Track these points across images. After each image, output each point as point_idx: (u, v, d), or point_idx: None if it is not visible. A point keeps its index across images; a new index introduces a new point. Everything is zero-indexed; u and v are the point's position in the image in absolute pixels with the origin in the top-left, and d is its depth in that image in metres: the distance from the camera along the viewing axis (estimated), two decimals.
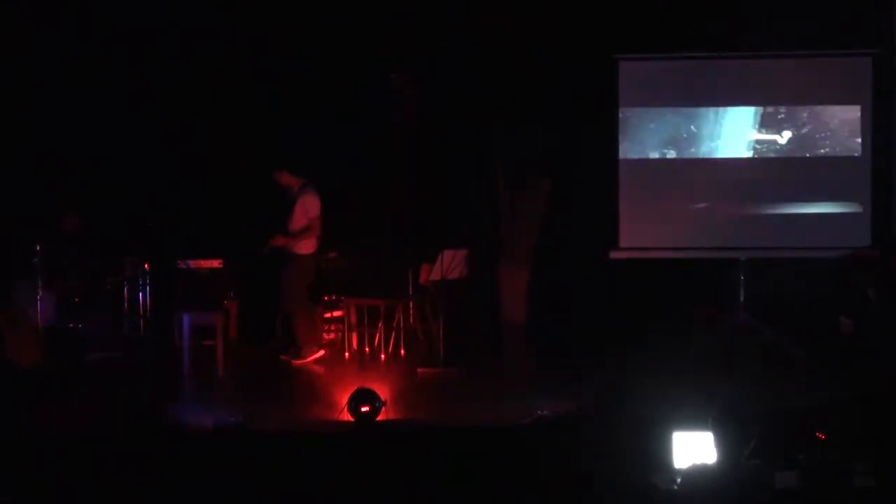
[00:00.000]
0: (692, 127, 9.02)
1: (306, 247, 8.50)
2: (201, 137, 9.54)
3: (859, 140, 8.84)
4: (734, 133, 8.97)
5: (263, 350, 8.94)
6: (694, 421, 5.01)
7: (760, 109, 8.95)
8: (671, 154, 9.04)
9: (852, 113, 8.87)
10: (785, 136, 8.96)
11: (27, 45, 9.23)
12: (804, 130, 8.92)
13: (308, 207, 8.46)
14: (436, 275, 8.46)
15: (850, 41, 8.93)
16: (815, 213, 8.92)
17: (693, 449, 4.94)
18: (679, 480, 4.61)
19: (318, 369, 8.45)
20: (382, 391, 6.54)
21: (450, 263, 8.41)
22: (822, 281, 8.86)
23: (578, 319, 9.17)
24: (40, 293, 8.61)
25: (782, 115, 8.95)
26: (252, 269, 9.27)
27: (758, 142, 8.97)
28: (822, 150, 8.91)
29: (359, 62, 9.66)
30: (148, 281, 9.30)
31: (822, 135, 8.91)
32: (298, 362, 8.49)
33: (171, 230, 9.21)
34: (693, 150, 9.01)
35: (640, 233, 9.03)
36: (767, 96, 8.95)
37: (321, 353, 8.59)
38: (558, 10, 9.28)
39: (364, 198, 9.75)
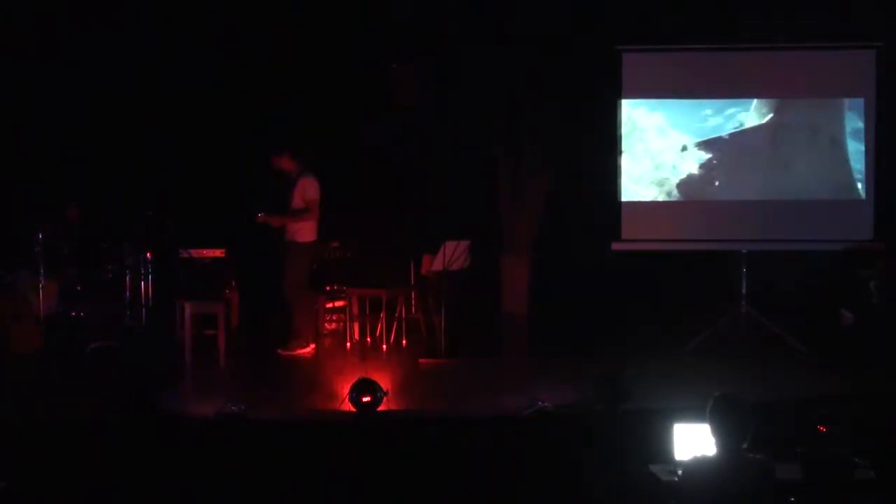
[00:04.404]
0: (696, 119, 9.00)
1: (306, 235, 8.48)
2: (204, 126, 9.54)
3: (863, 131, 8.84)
4: (737, 126, 8.96)
5: (264, 340, 8.93)
6: (695, 413, 5.01)
7: (764, 102, 8.93)
8: (674, 147, 9.02)
9: (856, 105, 8.87)
10: (789, 127, 8.94)
11: (27, 33, 9.22)
12: (808, 120, 8.91)
13: (306, 190, 8.43)
14: (438, 265, 8.45)
15: (855, 33, 8.91)
16: (818, 205, 8.90)
17: (694, 441, 4.94)
18: (680, 472, 4.61)
19: (320, 359, 8.44)
20: (384, 381, 6.54)
21: (452, 254, 8.40)
22: (823, 273, 8.87)
23: (580, 311, 9.18)
24: (42, 282, 8.62)
25: (787, 107, 8.94)
26: (254, 258, 9.26)
27: (762, 134, 8.95)
28: (826, 141, 8.90)
29: (360, 52, 9.65)
30: (150, 270, 9.29)
31: (826, 125, 8.90)
32: (284, 352, 8.45)
33: (174, 219, 9.20)
34: (697, 143, 9.00)
35: (642, 225, 9.02)
36: (771, 88, 8.92)
37: (309, 348, 8.54)
38: (562, 1, 9.26)
39: (366, 187, 9.74)
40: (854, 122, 8.86)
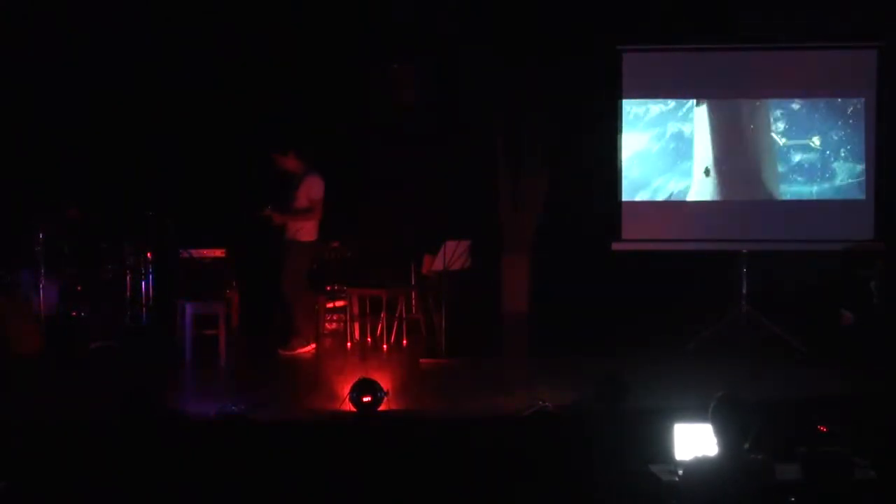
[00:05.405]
0: (695, 120, 9.00)
1: (308, 234, 8.47)
2: (204, 126, 9.53)
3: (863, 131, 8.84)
4: (738, 127, 8.95)
5: (264, 340, 8.93)
6: (695, 413, 5.01)
7: (764, 102, 8.92)
8: (674, 146, 9.01)
9: (856, 104, 8.86)
10: (789, 128, 8.93)
11: (27, 33, 9.21)
12: (808, 121, 8.90)
13: (311, 189, 8.41)
14: (438, 265, 8.45)
15: (856, 33, 8.90)
16: (818, 205, 8.89)
17: (694, 441, 4.94)
18: (681, 472, 4.61)
19: (321, 359, 8.44)
20: (384, 381, 6.54)
21: (452, 254, 8.40)
22: (823, 273, 8.86)
23: (580, 311, 9.17)
24: (42, 281, 8.62)
25: (786, 107, 8.93)
26: (255, 258, 9.26)
27: (762, 135, 8.94)
28: (827, 141, 8.89)
29: (360, 52, 9.65)
30: (150, 270, 9.29)
31: (826, 125, 8.89)
32: (285, 352, 8.44)
33: (174, 219, 9.19)
34: (695, 143, 8.99)
35: (642, 225, 9.02)
36: (772, 88, 8.92)
37: (310, 347, 8.53)
38: (562, 1, 9.25)
39: (366, 187, 9.74)
40: (853, 122, 8.85)
